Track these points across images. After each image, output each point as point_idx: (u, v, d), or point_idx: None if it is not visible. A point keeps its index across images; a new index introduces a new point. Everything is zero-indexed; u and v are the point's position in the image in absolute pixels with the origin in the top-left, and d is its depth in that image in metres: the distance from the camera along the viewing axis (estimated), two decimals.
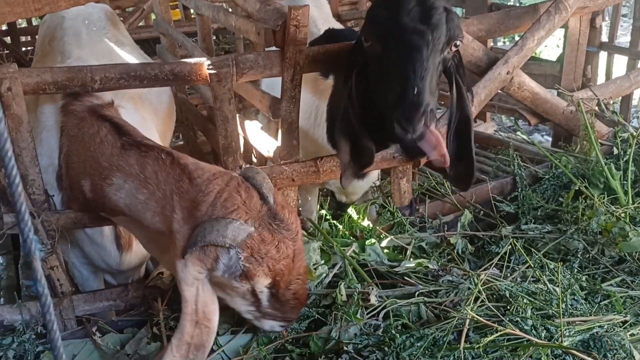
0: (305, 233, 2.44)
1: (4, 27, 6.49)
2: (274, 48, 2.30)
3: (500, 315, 1.81)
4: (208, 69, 2.18)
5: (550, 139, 5.27)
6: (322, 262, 2.26)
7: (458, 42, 1.97)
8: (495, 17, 2.60)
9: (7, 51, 6.21)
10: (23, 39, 7.03)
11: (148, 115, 2.56)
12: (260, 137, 2.84)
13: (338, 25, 3.14)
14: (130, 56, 2.86)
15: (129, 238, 2.23)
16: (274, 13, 2.23)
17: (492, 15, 2.64)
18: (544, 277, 1.96)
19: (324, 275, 2.22)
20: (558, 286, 1.89)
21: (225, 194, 1.62)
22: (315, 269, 2.17)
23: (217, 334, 2.06)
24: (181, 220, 1.65)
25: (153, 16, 6.53)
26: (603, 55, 4.18)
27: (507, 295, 1.94)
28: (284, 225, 1.64)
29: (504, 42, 9.81)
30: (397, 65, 1.87)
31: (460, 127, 2.12)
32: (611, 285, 2.16)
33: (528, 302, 1.85)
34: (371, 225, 2.61)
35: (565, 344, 1.69)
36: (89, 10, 3.00)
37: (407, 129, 1.80)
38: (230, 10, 4.04)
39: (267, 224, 1.61)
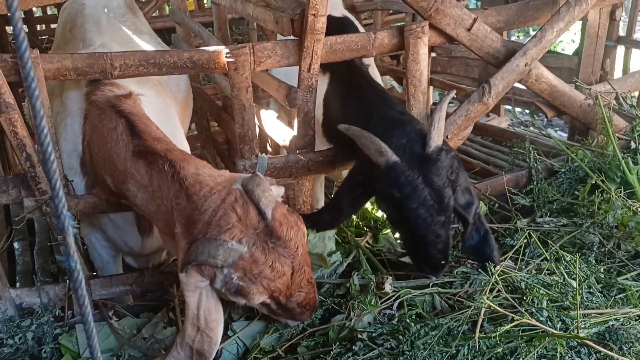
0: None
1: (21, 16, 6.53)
2: (290, 37, 2.31)
3: (517, 305, 1.81)
4: (226, 57, 2.19)
5: (564, 134, 5.24)
6: (337, 251, 2.27)
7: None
8: (514, 8, 2.58)
9: None
10: (38, 27, 7.09)
11: (169, 101, 2.58)
12: (275, 126, 2.85)
13: (344, 13, 3.12)
14: (148, 44, 2.88)
15: (150, 223, 2.25)
16: (292, 2, 2.24)
17: (511, 6, 2.61)
18: (561, 268, 1.96)
19: (338, 263, 2.23)
20: (575, 278, 1.88)
21: (220, 212, 1.59)
22: (329, 255, 2.18)
23: (232, 319, 2.08)
24: (180, 235, 1.65)
25: (167, 7, 6.56)
26: (620, 50, 4.13)
27: (523, 287, 1.93)
28: (281, 242, 1.60)
29: (518, 37, 9.73)
30: (417, 231, 1.99)
31: (481, 243, 2.17)
32: (627, 279, 2.15)
33: (544, 293, 1.85)
34: (385, 216, 2.61)
35: (581, 335, 1.69)
36: None
37: (431, 275, 2.10)
38: None
39: (262, 242, 1.58)
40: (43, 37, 6.86)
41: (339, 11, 3.10)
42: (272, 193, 1.66)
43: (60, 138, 2.25)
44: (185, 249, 1.61)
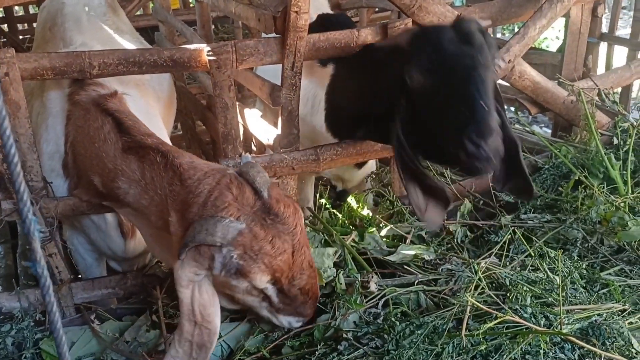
0: (307, 223, 2.44)
1: (1, 15, 6.44)
2: (273, 35, 2.29)
3: (500, 303, 1.81)
4: (207, 55, 2.16)
5: (548, 130, 5.27)
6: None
7: (501, 63, 2.02)
8: (497, 5, 2.59)
9: (4, 39, 6.17)
10: (20, 26, 6.98)
11: (152, 101, 2.55)
12: (259, 125, 2.83)
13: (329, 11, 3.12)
14: (130, 44, 2.84)
15: (132, 226, 2.22)
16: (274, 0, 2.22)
17: (494, 3, 2.62)
18: (544, 265, 1.96)
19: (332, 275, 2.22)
20: (558, 274, 1.89)
21: (215, 193, 1.59)
22: (324, 272, 2.15)
23: None
24: (176, 223, 1.64)
25: (151, 5, 6.49)
26: (603, 47, 4.17)
27: (507, 283, 1.94)
28: (279, 219, 1.60)
29: (503, 34, 9.78)
30: (458, 90, 1.88)
31: (511, 151, 2.09)
32: (610, 274, 2.16)
33: (527, 290, 1.85)
34: (371, 214, 2.60)
35: (564, 331, 1.70)
36: None
37: (481, 146, 1.81)
38: None
39: (260, 219, 1.58)
40: (25, 36, 6.76)
41: (326, 11, 3.09)
42: (266, 174, 1.67)
43: (41, 139, 2.21)
44: (181, 236, 1.60)
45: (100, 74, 2.10)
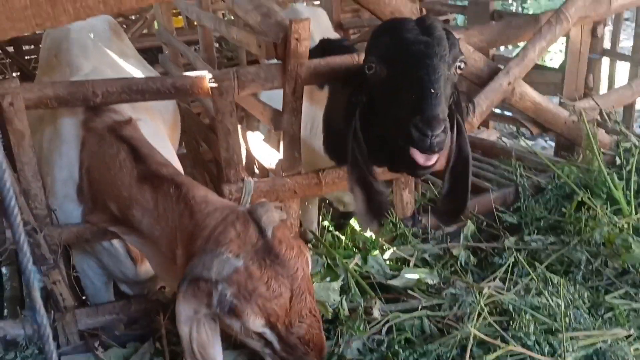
0: (310, 246, 2.44)
1: None
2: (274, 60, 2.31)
3: (503, 331, 1.80)
4: (209, 82, 2.18)
5: (553, 143, 5.26)
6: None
7: (462, 65, 1.98)
8: (496, 27, 2.61)
9: (10, 60, 6.24)
10: (26, 47, 7.06)
11: (160, 124, 2.57)
12: (262, 149, 2.84)
13: (335, 36, 3.15)
14: (135, 68, 2.88)
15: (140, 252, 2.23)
16: (275, 26, 2.24)
17: (493, 25, 2.64)
18: (546, 292, 1.95)
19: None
20: (561, 301, 1.88)
21: (220, 228, 1.59)
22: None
23: None
24: (181, 256, 1.64)
25: (156, 25, 6.57)
26: (605, 61, 4.17)
27: (511, 309, 1.93)
28: (279, 260, 1.54)
29: (508, 47, 9.82)
30: (408, 75, 1.89)
31: (459, 166, 2.12)
32: (615, 297, 2.14)
33: (531, 317, 1.84)
34: (374, 237, 2.60)
35: (568, 359, 1.68)
36: (92, 22, 3.02)
37: (427, 132, 1.77)
38: (232, 17, 4.05)
39: (260, 258, 1.54)
40: (31, 56, 6.83)
41: (330, 33, 3.13)
42: (275, 215, 1.64)
43: (55, 166, 2.23)
44: (184, 267, 1.59)
45: (104, 102, 2.12)
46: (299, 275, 1.57)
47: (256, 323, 1.53)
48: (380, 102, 2.02)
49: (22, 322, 2.23)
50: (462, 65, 2.01)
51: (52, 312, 2.27)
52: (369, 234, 2.68)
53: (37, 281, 0.75)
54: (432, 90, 1.81)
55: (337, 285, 2.14)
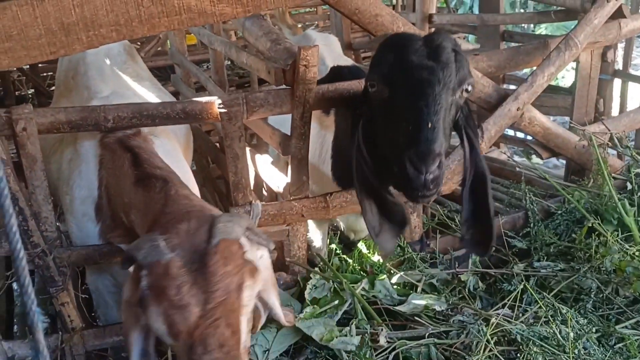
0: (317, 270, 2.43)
1: None
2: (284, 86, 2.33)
3: None
4: (219, 107, 2.21)
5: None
6: None
7: (469, 87, 1.89)
8: (505, 53, 2.61)
9: (25, 77, 6.35)
10: (41, 64, 7.19)
11: (175, 145, 2.61)
12: (270, 172, 2.85)
13: (347, 62, 3.17)
14: (150, 91, 2.92)
15: None
16: (284, 52, 2.26)
17: (501, 51, 2.64)
18: (555, 321, 1.93)
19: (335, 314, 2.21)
20: (570, 332, 1.86)
21: (177, 219, 1.52)
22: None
23: None
24: None
25: (169, 43, 6.67)
26: (617, 82, 4.14)
27: (519, 339, 1.91)
28: (204, 272, 1.38)
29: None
30: (408, 103, 1.81)
31: (476, 185, 2.00)
32: (626, 327, 2.11)
33: (539, 348, 1.82)
34: (381, 261, 2.59)
35: None
36: (108, 45, 3.06)
37: (421, 168, 1.69)
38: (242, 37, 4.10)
39: (187, 261, 1.40)
40: (46, 73, 6.95)
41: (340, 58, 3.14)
42: (238, 229, 1.48)
43: (74, 185, 2.27)
44: None
45: (115, 127, 2.15)
46: (218, 297, 1.37)
47: (158, 326, 1.37)
48: (381, 122, 1.94)
49: (31, 342, 2.25)
50: (470, 88, 1.91)
51: (60, 333, 2.29)
52: (376, 258, 2.68)
53: (41, 322, 0.76)
54: (430, 124, 1.72)
55: (356, 340, 2.06)
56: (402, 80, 1.86)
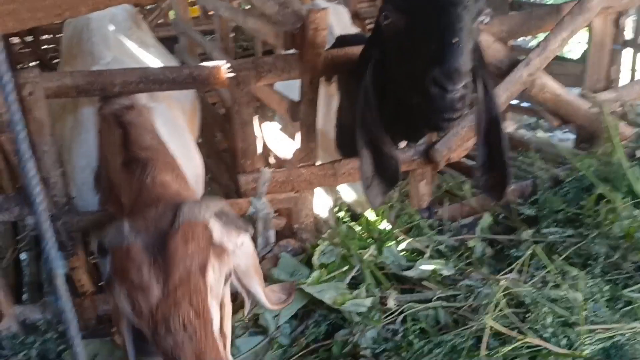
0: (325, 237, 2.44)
1: None
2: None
3: (520, 322, 1.79)
4: (227, 72, 2.19)
5: (572, 136, 5.19)
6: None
7: (486, 19, 1.82)
8: (517, 17, 2.57)
9: (28, 49, 6.30)
10: (44, 37, 7.12)
11: (179, 113, 2.58)
12: (278, 139, 2.84)
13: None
14: (155, 57, 2.89)
15: None
16: (292, 16, 2.23)
17: (514, 15, 2.60)
18: (566, 284, 1.93)
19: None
20: (580, 293, 1.86)
21: (147, 205, 1.53)
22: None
23: (236, 336, 2.08)
24: None
25: (172, 14, 6.58)
26: (627, 52, 4.09)
27: (527, 302, 1.92)
28: (164, 252, 1.37)
29: (524, 38, 9.67)
30: (430, 24, 1.73)
31: (490, 129, 1.97)
32: (633, 291, 2.12)
33: (548, 309, 1.82)
34: (389, 228, 2.59)
35: (585, 352, 1.67)
36: (113, 11, 3.04)
37: (447, 85, 1.62)
38: (247, 7, 4.05)
39: (150, 244, 1.40)
40: (49, 46, 6.88)
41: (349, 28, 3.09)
42: (206, 214, 1.47)
43: (75, 153, 2.26)
44: None
45: (122, 92, 2.14)
46: (178, 277, 1.36)
47: (124, 308, 1.38)
48: (396, 55, 1.87)
49: (42, 307, 2.28)
50: (487, 20, 1.84)
51: (71, 297, 2.31)
52: (383, 225, 2.68)
53: (61, 267, 0.77)
54: (455, 40, 1.63)
55: (368, 301, 2.07)
56: (422, 4, 1.79)
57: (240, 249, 1.59)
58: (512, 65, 2.48)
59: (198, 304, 1.36)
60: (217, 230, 1.50)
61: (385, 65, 1.95)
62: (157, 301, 1.34)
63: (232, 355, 2.00)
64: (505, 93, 2.45)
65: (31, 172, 0.70)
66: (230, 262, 1.50)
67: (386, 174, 2.12)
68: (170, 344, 1.31)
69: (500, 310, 1.84)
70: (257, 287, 1.70)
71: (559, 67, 3.51)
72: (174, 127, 2.32)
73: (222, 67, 2.18)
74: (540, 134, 3.66)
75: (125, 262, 1.37)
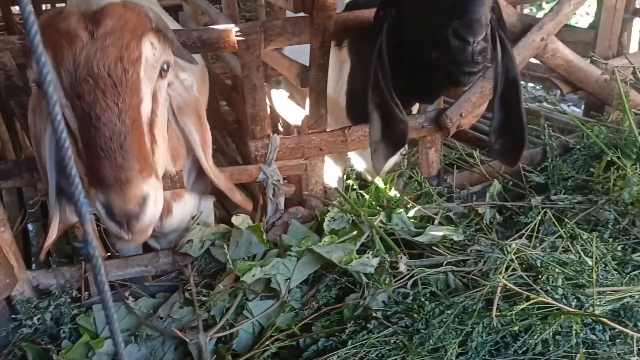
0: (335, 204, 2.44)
1: None
2: (301, 14, 2.27)
3: (532, 283, 1.81)
4: (236, 35, 2.16)
5: (577, 109, 5.16)
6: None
7: None
8: None
9: None
10: (44, 7, 7.03)
11: None
12: (287, 106, 2.83)
13: None
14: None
15: (166, 206, 2.25)
16: None
17: None
18: (577, 246, 1.94)
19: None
20: (590, 256, 1.88)
21: None
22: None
23: (247, 300, 2.10)
24: None
25: None
26: (637, 21, 4.03)
27: (538, 265, 1.93)
28: (98, 15, 1.37)
29: (531, 10, 9.53)
30: None
31: (507, 90, 1.95)
32: None
33: (559, 271, 1.84)
34: (398, 195, 2.60)
35: (596, 312, 1.69)
36: None
37: (467, 37, 1.61)
38: None
39: (84, 18, 1.38)
40: None
41: None
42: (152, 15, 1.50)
43: None
44: None
45: None
46: (108, 27, 1.32)
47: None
48: (414, 12, 1.86)
49: (54, 272, 2.30)
50: None
51: (83, 263, 2.33)
52: (392, 192, 2.68)
53: (89, 213, 0.77)
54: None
55: (374, 261, 2.08)
56: None
57: (182, 83, 1.57)
58: (525, 29, 2.45)
59: (126, 66, 1.30)
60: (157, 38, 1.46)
61: (401, 23, 1.93)
62: (69, 74, 1.26)
63: (244, 318, 2.04)
64: (517, 58, 2.41)
65: (58, 116, 0.69)
66: (169, 54, 1.48)
67: (394, 138, 2.12)
68: (88, 109, 1.26)
69: (513, 271, 1.85)
70: (192, 128, 1.68)
71: (570, 34, 3.47)
72: None
73: (232, 31, 2.15)
74: (548, 103, 3.63)
75: (54, 20, 1.32)
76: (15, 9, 6.01)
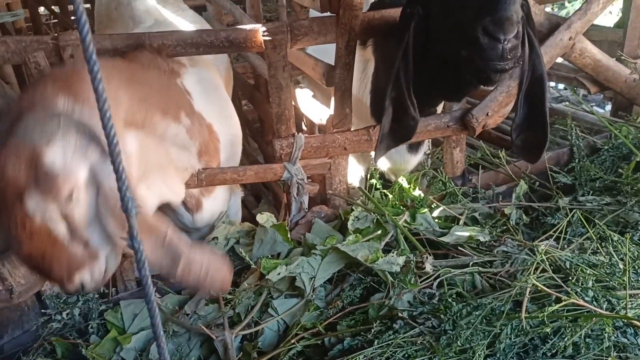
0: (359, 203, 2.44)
1: None
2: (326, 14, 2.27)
3: (563, 284, 1.79)
4: (263, 35, 2.17)
5: (601, 110, 5.08)
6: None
7: None
8: None
9: (56, 20, 6.32)
10: (71, 7, 7.14)
11: (217, 76, 2.60)
12: (311, 105, 2.83)
13: None
14: (190, 23, 2.90)
15: (196, 202, 2.27)
16: None
17: None
18: (609, 247, 1.92)
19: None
20: (622, 258, 1.85)
21: None
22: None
23: (272, 298, 2.11)
24: None
25: None
26: None
27: (567, 267, 1.90)
28: None
29: (552, 9, 9.42)
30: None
31: (533, 88, 1.94)
32: None
33: (590, 273, 1.81)
34: (422, 195, 2.59)
35: (629, 315, 1.66)
36: None
37: (498, 35, 1.59)
38: None
39: None
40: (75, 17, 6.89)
41: None
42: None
43: None
44: None
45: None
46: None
47: None
48: (443, 10, 1.86)
49: None
50: None
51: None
52: (417, 192, 2.67)
53: (134, 209, 0.78)
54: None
55: (401, 260, 2.07)
56: None
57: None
58: (553, 28, 2.42)
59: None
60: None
61: (429, 21, 1.93)
62: None
63: (270, 316, 2.04)
64: (544, 57, 2.39)
65: (106, 111, 0.71)
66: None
67: (401, 131, 2.14)
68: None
69: (542, 273, 1.83)
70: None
71: (597, 33, 3.42)
72: (213, 89, 2.33)
73: (259, 30, 2.17)
74: (573, 103, 3.58)
75: None
76: (42, 9, 6.10)
